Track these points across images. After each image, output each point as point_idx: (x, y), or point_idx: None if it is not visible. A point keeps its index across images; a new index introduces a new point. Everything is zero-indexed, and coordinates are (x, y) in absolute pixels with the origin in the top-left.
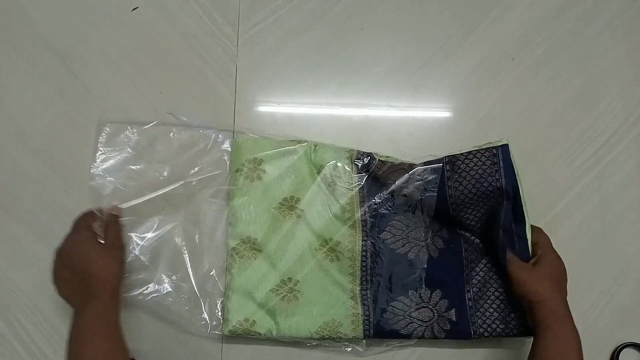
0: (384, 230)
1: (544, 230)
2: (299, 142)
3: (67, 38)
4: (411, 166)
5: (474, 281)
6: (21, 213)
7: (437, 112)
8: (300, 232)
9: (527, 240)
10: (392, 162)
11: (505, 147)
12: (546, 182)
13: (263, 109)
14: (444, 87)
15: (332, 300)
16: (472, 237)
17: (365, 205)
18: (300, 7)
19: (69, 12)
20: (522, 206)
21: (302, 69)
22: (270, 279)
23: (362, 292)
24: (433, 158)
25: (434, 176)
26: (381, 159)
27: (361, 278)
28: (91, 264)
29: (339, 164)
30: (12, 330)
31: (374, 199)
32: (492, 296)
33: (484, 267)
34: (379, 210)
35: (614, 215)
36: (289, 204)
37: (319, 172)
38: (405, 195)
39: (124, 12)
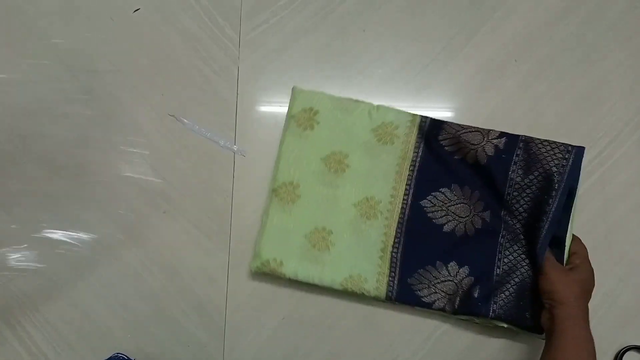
0: (425, 198)
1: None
2: (360, 101)
3: (69, 41)
4: (488, 131)
5: (503, 265)
6: (23, 218)
7: (440, 113)
8: (343, 185)
9: (565, 246)
10: (466, 126)
11: (580, 150)
12: None
13: (265, 110)
14: (446, 89)
15: (362, 255)
16: (513, 223)
17: (416, 170)
18: (302, 9)
19: (71, 15)
20: (571, 211)
21: (304, 71)
22: (306, 226)
23: (393, 253)
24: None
25: (507, 146)
26: (452, 125)
27: (394, 239)
28: None
29: (400, 124)
30: (13, 332)
31: (426, 165)
32: (518, 284)
33: (515, 252)
34: (428, 177)
35: (618, 217)
36: (337, 158)
37: (375, 130)
38: (464, 161)
39: (126, 14)
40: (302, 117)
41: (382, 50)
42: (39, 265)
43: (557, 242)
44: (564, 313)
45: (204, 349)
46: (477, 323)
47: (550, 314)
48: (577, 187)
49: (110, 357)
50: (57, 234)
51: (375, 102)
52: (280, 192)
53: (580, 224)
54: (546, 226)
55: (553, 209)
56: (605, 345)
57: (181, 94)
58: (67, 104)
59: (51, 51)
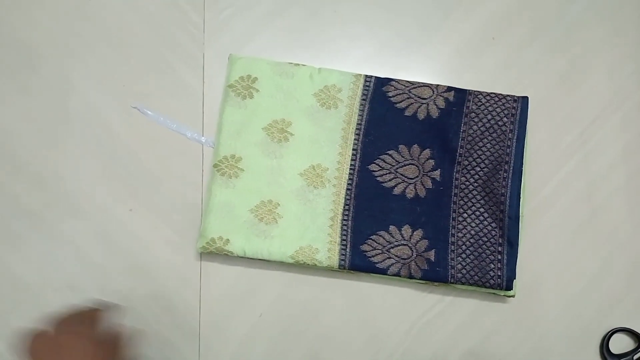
0: (373, 162)
1: (530, 217)
2: (302, 64)
3: (27, 31)
4: (436, 85)
5: (460, 226)
6: None
7: None
8: (288, 155)
9: (519, 216)
10: (414, 82)
11: (525, 99)
12: (531, 166)
13: None
14: (424, 71)
15: (311, 226)
16: (466, 179)
17: (362, 134)
18: None
19: (28, 5)
20: (522, 174)
21: (274, 56)
22: (251, 200)
23: (344, 221)
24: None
25: (457, 99)
26: (400, 81)
27: (344, 207)
28: None
29: (343, 87)
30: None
31: (372, 128)
32: (477, 243)
33: (470, 210)
34: (374, 140)
35: (601, 199)
36: (280, 127)
37: (317, 95)
38: (415, 118)
39: (85, 2)
40: (241, 86)
41: (356, 33)
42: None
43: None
44: None
45: (178, 351)
46: (436, 287)
47: None
48: (525, 142)
49: None
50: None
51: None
52: (222, 166)
53: (563, 207)
54: (510, 176)
55: (513, 159)
56: (592, 328)
57: (144, 83)
58: (23, 95)
59: (5, 39)
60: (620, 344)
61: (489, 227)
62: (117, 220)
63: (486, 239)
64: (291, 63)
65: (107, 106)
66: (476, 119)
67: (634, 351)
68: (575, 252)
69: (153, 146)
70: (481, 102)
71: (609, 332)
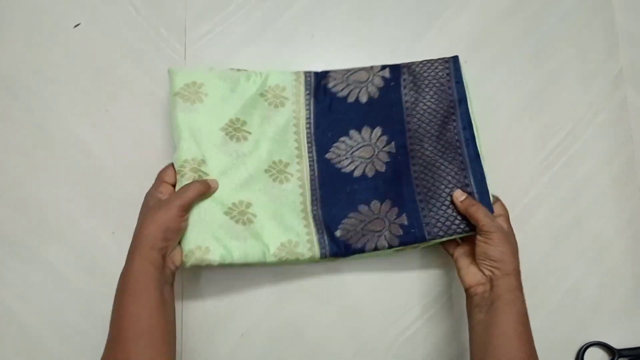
0: (329, 151)
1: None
2: (242, 70)
3: (6, 59)
4: (371, 67)
5: (423, 185)
6: None
7: None
8: (250, 153)
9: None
10: (350, 69)
11: (455, 58)
12: (509, 181)
13: None
14: None
15: (286, 221)
16: (420, 146)
17: (312, 127)
18: (248, 16)
19: (8, 32)
20: (470, 119)
21: None
22: (223, 203)
23: (314, 211)
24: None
25: (393, 74)
26: (337, 71)
27: (311, 197)
28: (139, 220)
29: (287, 85)
30: None
31: (321, 119)
32: (442, 194)
33: (428, 171)
34: (325, 131)
35: (585, 205)
36: (236, 126)
37: (264, 95)
38: (357, 102)
39: (66, 30)
40: (187, 92)
41: (331, 56)
42: None
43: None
44: (508, 284)
45: None
46: (415, 248)
47: (491, 284)
48: (467, 95)
49: None
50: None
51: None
52: (185, 172)
53: (539, 221)
54: (460, 124)
55: (458, 109)
56: (567, 341)
57: (127, 109)
58: (3, 122)
59: None
60: (595, 358)
61: (452, 174)
62: (100, 244)
63: (452, 186)
64: (232, 69)
65: (88, 132)
66: (415, 88)
67: None
68: (550, 267)
69: (134, 170)
70: (415, 71)
71: (584, 345)
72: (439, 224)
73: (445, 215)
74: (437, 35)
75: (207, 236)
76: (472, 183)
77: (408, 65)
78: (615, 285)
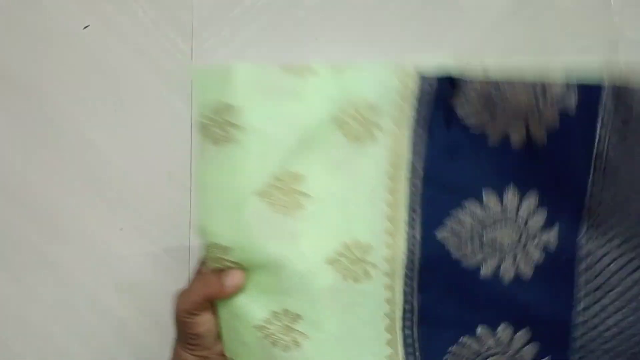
0: (441, 224)
1: None
2: (308, 69)
3: (17, 60)
4: (543, 85)
5: (590, 323)
6: None
7: None
8: (304, 231)
9: None
10: (502, 80)
11: None
12: None
13: None
14: None
15: (357, 346)
16: (605, 251)
17: (420, 180)
18: (254, 19)
19: (18, 34)
20: None
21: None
22: (253, 310)
23: (406, 330)
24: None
25: (586, 104)
26: (474, 78)
27: (404, 307)
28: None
29: (381, 104)
30: None
31: (437, 166)
32: (617, 348)
33: (612, 303)
34: (442, 188)
35: None
36: (286, 186)
37: (339, 119)
38: (506, 146)
39: (75, 32)
40: (214, 123)
41: (336, 58)
42: None
43: None
44: None
45: None
46: None
47: None
48: None
49: None
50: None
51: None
52: (211, 260)
53: None
54: None
55: None
56: None
57: (134, 110)
58: (10, 122)
59: None
60: None
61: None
62: (107, 241)
63: (633, 343)
64: (291, 69)
65: (96, 132)
66: (623, 127)
67: None
68: None
69: (141, 169)
70: (627, 96)
71: None
72: None
73: None
74: (439, 42)
75: (236, 352)
76: None
77: (620, 93)
78: None
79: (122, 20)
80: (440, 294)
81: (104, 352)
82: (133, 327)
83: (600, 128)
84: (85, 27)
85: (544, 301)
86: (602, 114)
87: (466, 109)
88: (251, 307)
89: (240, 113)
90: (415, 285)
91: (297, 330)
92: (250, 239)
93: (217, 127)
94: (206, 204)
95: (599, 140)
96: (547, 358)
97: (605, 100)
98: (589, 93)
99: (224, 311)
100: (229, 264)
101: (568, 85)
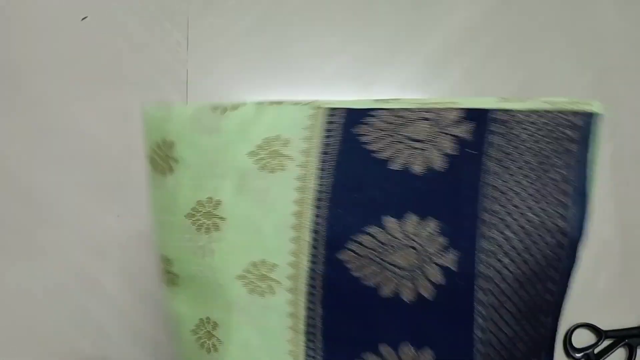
0: (345, 248)
1: None
2: (232, 107)
3: (14, 51)
4: (438, 113)
5: (490, 342)
6: None
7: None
8: (220, 250)
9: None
10: (402, 109)
11: (592, 119)
12: None
13: None
14: (393, 84)
15: (265, 355)
16: (501, 273)
17: (324, 206)
18: (249, 9)
19: (13, 25)
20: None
21: (253, 71)
22: (190, 318)
23: (309, 343)
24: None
25: (476, 133)
26: (383, 106)
27: (307, 323)
28: None
29: (292, 137)
30: None
31: (341, 193)
32: (515, 353)
33: (506, 324)
34: (345, 213)
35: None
36: (206, 210)
37: (255, 154)
38: (406, 173)
39: (72, 23)
40: (158, 157)
41: (329, 48)
42: None
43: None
44: None
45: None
46: None
47: None
48: (590, 190)
49: None
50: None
51: (320, 99)
52: (163, 271)
53: None
54: (564, 261)
55: (570, 229)
56: None
57: (130, 99)
58: (7, 112)
59: None
60: (582, 339)
61: (529, 329)
62: (105, 227)
63: (524, 346)
64: (217, 109)
65: (93, 120)
66: (508, 163)
67: (594, 345)
68: None
69: (137, 156)
70: (513, 133)
71: (572, 327)
72: None
73: None
74: (432, 28)
75: (178, 354)
76: None
77: (502, 121)
78: (602, 270)
79: (119, 12)
80: (343, 312)
81: (102, 335)
82: (130, 311)
83: (487, 157)
84: (83, 19)
85: (446, 321)
86: (490, 141)
87: (370, 137)
88: (186, 313)
89: (174, 147)
90: (318, 302)
91: (215, 336)
92: (182, 254)
93: (160, 159)
94: (156, 221)
95: (487, 168)
96: None
97: (492, 126)
98: (479, 120)
99: (171, 317)
100: (172, 276)
101: (460, 112)
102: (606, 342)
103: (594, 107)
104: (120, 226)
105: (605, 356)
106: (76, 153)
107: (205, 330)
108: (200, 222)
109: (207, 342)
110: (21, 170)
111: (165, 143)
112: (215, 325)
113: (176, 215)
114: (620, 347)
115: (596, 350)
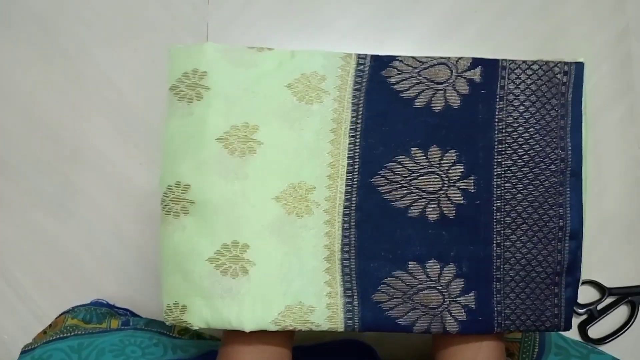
0: (377, 174)
1: None
2: (268, 49)
3: (42, 5)
4: (456, 61)
5: (508, 254)
6: (12, 176)
7: None
8: (256, 173)
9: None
10: (423, 58)
11: (579, 67)
12: None
13: None
14: (408, 40)
15: (299, 273)
16: (515, 191)
17: (359, 136)
18: None
19: None
20: (580, 171)
21: (272, 22)
22: (207, 244)
23: (344, 261)
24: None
25: (486, 77)
26: (405, 59)
27: (342, 241)
28: None
29: (328, 74)
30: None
31: (373, 126)
32: (528, 277)
33: (524, 234)
34: (377, 143)
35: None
36: (242, 134)
37: (292, 86)
38: (429, 109)
39: None
40: (185, 85)
41: (348, 2)
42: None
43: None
44: None
45: None
46: None
47: None
48: (584, 120)
49: (90, 303)
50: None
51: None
52: (167, 201)
53: None
54: (568, 181)
55: (570, 156)
56: None
57: (152, 51)
58: (42, 62)
59: (24, 13)
60: (586, 295)
61: (545, 251)
62: (128, 174)
63: (541, 269)
64: (253, 47)
65: (117, 70)
66: (516, 102)
67: (598, 301)
68: None
69: (159, 106)
70: (520, 78)
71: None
72: (513, 316)
73: (524, 305)
74: None
75: (184, 290)
76: (563, 275)
77: (510, 68)
78: (608, 228)
79: None
80: (375, 231)
81: (123, 273)
82: (151, 255)
83: (500, 98)
84: None
85: (467, 239)
86: (502, 85)
87: (398, 79)
88: (202, 243)
89: (207, 76)
90: (352, 222)
91: (245, 258)
92: (207, 177)
93: (187, 88)
94: (171, 149)
95: (500, 108)
96: (472, 293)
97: (503, 73)
98: (489, 67)
99: (171, 255)
100: (186, 203)
101: (473, 61)
102: (609, 299)
103: (579, 59)
104: (142, 174)
105: (608, 312)
106: (101, 100)
107: (231, 255)
108: (234, 145)
109: (234, 266)
110: (52, 115)
111: (196, 72)
112: (245, 247)
113: (205, 139)
114: (623, 304)
115: (599, 307)
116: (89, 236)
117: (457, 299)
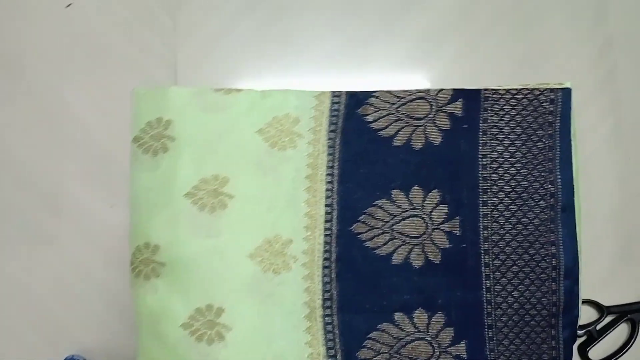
0: (357, 221)
1: None
2: (236, 90)
3: (7, 42)
4: (435, 94)
5: (499, 299)
6: None
7: (383, 87)
8: (228, 229)
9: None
10: (400, 92)
11: (566, 92)
12: None
13: None
14: (388, 62)
15: (278, 334)
16: (503, 232)
17: (336, 181)
18: None
19: (1, 13)
20: (573, 204)
21: (244, 54)
22: (180, 308)
23: (326, 317)
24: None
25: (468, 110)
26: (382, 94)
27: (323, 296)
28: None
29: (301, 116)
30: None
31: (351, 169)
32: (522, 321)
33: (515, 277)
34: (356, 188)
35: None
36: (211, 188)
37: (264, 131)
38: (408, 147)
39: (58, 9)
40: (149, 137)
41: (322, 29)
42: None
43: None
44: None
45: None
46: None
47: None
48: (573, 145)
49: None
50: None
51: (310, 83)
52: (137, 263)
53: None
54: (559, 216)
55: (560, 190)
56: None
57: (121, 86)
58: (7, 103)
59: None
60: (584, 315)
61: (539, 293)
62: (99, 217)
63: (535, 312)
64: (221, 89)
65: (85, 109)
66: (500, 136)
67: (597, 321)
68: None
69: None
70: (504, 109)
71: None
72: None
73: (519, 351)
74: (425, 4)
75: (158, 355)
76: (560, 318)
77: (493, 98)
78: (604, 245)
79: None
80: (358, 282)
81: (98, 322)
82: (122, 296)
83: (483, 132)
84: (67, 6)
85: (455, 285)
86: (484, 118)
87: (374, 117)
88: (175, 307)
89: (172, 125)
90: (333, 275)
91: (221, 323)
92: (177, 236)
93: (151, 138)
94: (138, 207)
95: (483, 142)
96: (463, 342)
97: (485, 105)
98: (470, 99)
99: (144, 319)
100: (155, 265)
101: (454, 93)
102: (608, 318)
103: (566, 84)
104: (114, 217)
105: (608, 332)
106: (70, 141)
107: (205, 320)
108: (204, 200)
109: (209, 332)
110: (18, 159)
111: (160, 122)
112: (220, 312)
113: (172, 196)
114: (622, 322)
115: (598, 327)
116: (58, 282)
117: (448, 349)
